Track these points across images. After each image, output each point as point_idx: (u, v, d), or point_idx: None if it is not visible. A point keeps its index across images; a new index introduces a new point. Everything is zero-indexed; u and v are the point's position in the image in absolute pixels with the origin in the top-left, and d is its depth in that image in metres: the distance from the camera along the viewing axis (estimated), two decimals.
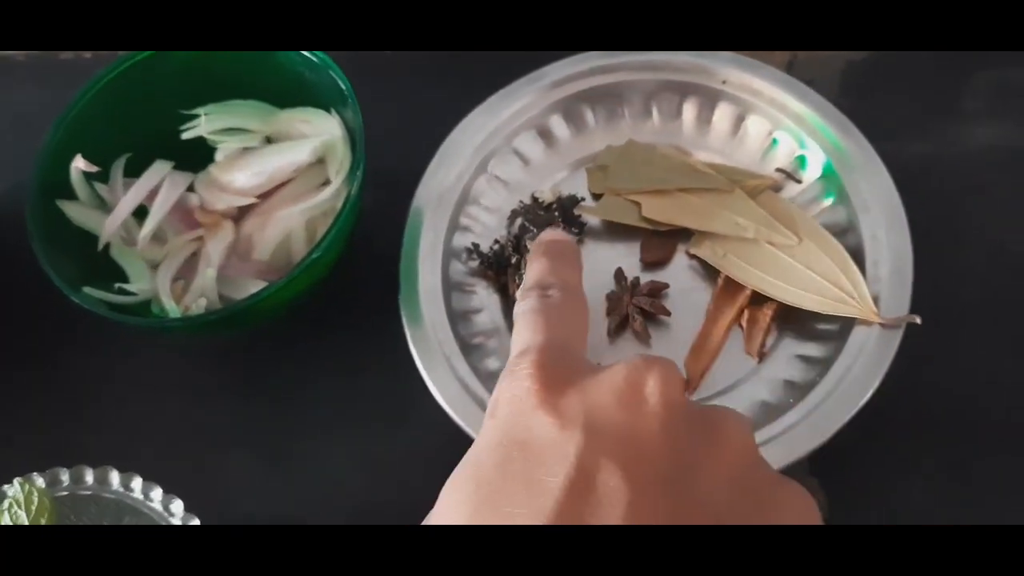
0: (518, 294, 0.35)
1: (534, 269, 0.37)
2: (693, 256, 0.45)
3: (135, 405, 0.46)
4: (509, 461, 0.27)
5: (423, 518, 0.28)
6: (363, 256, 0.46)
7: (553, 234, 0.40)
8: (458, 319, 0.45)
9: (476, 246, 0.46)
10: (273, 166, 0.45)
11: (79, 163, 0.44)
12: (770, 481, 0.28)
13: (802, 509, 0.28)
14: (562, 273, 0.36)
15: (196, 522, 0.38)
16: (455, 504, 0.27)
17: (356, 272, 0.46)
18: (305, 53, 0.45)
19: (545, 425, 0.27)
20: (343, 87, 0.43)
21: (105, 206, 0.46)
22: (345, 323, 0.46)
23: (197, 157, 0.47)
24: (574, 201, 0.47)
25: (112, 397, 0.46)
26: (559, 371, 0.29)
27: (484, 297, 0.46)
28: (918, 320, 0.41)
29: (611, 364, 0.29)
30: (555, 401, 0.27)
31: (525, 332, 0.32)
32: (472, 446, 0.29)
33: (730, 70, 0.48)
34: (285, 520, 0.42)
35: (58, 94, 0.47)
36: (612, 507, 0.25)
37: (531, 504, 0.25)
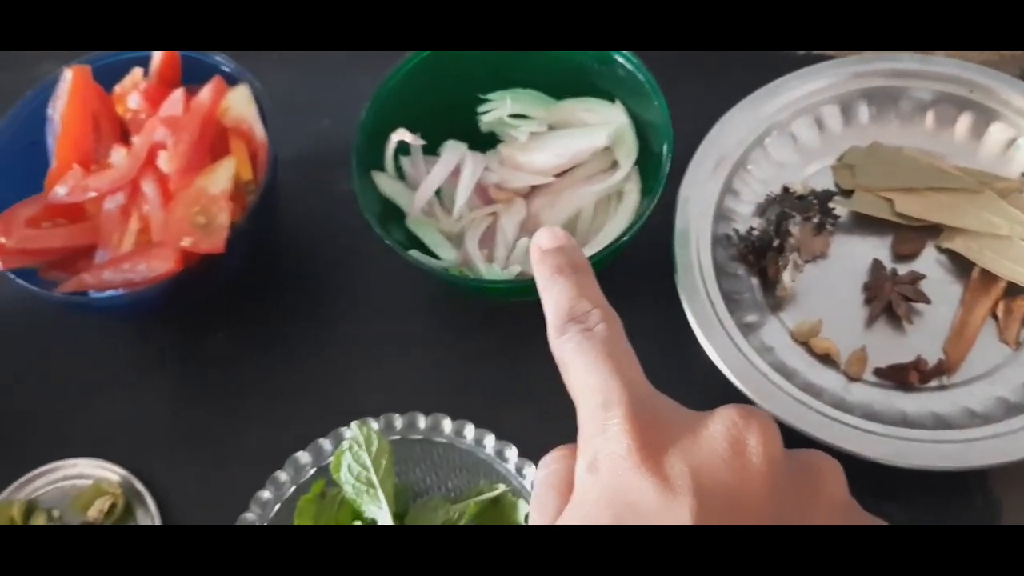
0: (550, 329, 0.31)
1: (557, 294, 0.31)
2: (943, 250, 0.49)
3: (423, 365, 0.49)
4: (623, 522, 0.27)
5: None
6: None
7: (552, 237, 0.33)
8: (728, 298, 0.48)
9: (737, 231, 0.50)
10: (574, 149, 0.48)
11: (404, 135, 0.47)
12: (863, 520, 0.30)
13: None
14: (588, 291, 0.32)
15: (531, 467, 0.41)
16: None
17: (631, 251, 0.50)
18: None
19: (652, 488, 0.27)
20: (643, 79, 0.47)
21: (404, 178, 0.50)
22: (620, 296, 0.49)
23: (479, 139, 0.51)
24: (829, 195, 0.51)
25: (398, 357, 0.50)
26: (653, 425, 0.28)
27: (745, 280, 0.50)
28: None
29: (705, 418, 0.29)
30: (658, 460, 0.28)
31: (592, 379, 0.29)
32: (576, 499, 0.29)
33: (978, 79, 0.51)
34: None
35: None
36: None
37: None
